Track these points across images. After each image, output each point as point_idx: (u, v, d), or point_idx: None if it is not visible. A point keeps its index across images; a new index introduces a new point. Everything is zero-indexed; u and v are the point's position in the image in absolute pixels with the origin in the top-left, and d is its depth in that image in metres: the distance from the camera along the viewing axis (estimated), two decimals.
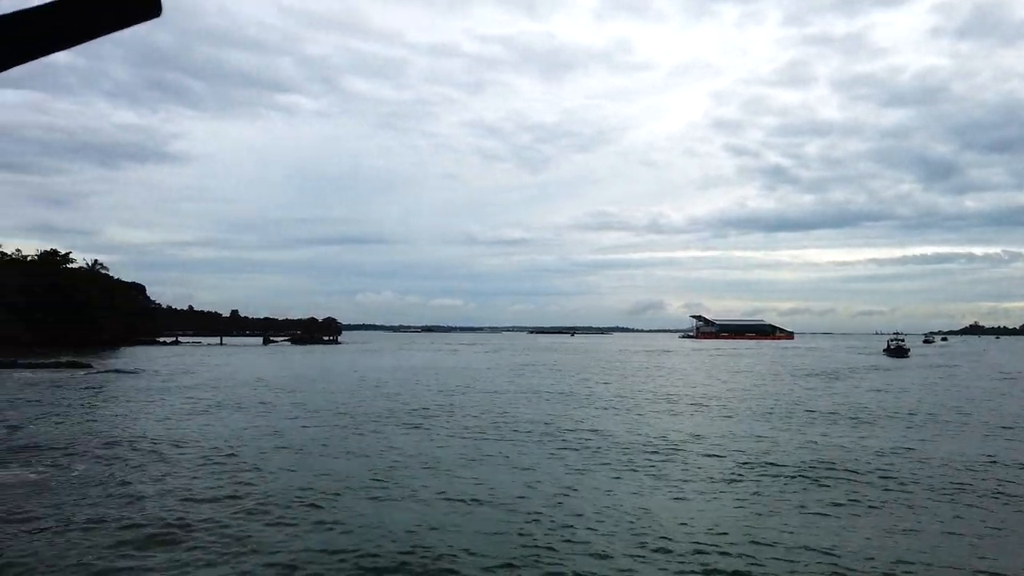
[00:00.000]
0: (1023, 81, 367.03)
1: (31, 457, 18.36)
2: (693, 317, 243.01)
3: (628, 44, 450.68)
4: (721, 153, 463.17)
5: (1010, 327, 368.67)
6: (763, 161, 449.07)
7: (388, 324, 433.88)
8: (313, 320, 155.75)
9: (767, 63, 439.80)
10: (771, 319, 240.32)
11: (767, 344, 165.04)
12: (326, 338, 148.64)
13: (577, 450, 20.00)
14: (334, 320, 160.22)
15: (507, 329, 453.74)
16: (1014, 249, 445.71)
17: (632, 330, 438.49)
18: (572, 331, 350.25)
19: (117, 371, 51.67)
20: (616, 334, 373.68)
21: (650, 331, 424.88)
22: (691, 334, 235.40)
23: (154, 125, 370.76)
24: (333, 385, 41.90)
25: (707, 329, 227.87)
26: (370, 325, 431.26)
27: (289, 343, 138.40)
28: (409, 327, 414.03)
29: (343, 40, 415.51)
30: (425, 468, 17.39)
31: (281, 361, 71.74)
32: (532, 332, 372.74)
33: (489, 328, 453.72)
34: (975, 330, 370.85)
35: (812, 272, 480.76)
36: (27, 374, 47.01)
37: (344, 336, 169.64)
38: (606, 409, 30.18)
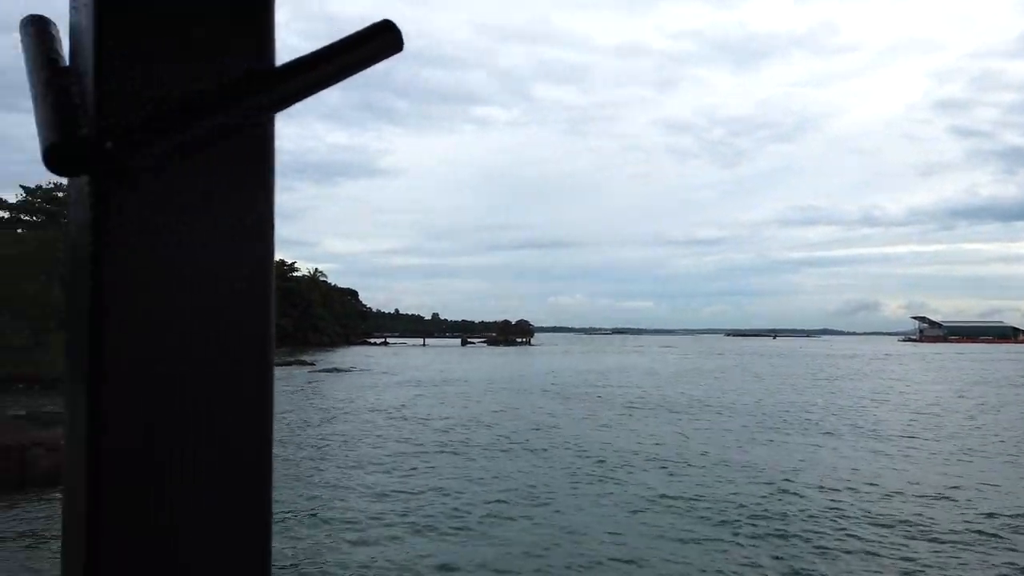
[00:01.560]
0: None
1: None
2: (915, 319, 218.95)
3: (832, 25, 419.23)
4: (945, 136, 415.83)
5: None
6: (999, 143, 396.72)
7: (578, 326, 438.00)
8: (507, 322, 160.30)
9: (1000, 32, 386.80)
10: (1013, 320, 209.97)
11: (1009, 349, 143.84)
12: (519, 340, 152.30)
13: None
14: (527, 322, 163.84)
15: (701, 331, 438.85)
16: None
17: (842, 333, 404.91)
18: (774, 333, 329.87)
19: (335, 369, 56.17)
20: (824, 337, 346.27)
21: (863, 334, 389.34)
22: (913, 337, 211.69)
23: (364, 143, 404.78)
24: (544, 387, 42.19)
25: (932, 332, 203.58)
26: (561, 327, 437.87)
27: (485, 344, 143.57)
28: (599, 329, 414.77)
29: (532, 49, 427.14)
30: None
31: (480, 361, 74.18)
32: (729, 334, 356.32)
33: (682, 330, 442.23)
34: None
35: None
36: None
37: (536, 338, 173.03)
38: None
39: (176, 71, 0.53)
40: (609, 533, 11.71)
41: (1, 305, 39.45)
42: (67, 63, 0.54)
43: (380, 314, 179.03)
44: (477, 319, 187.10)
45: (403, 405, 30.86)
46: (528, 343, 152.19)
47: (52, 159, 0.48)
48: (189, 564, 0.52)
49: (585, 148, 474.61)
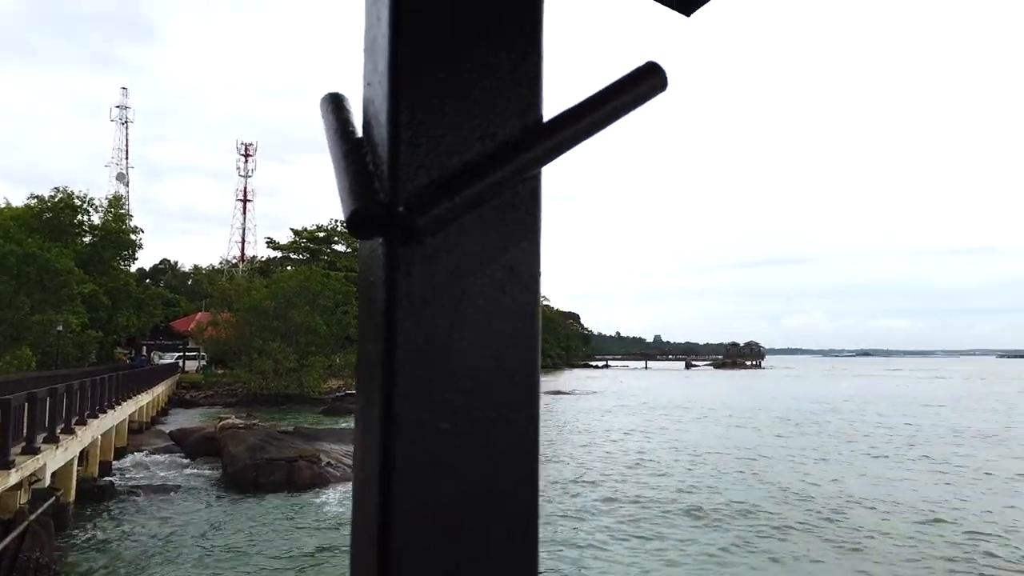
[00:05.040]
0: None
1: None
2: None
3: None
4: None
5: None
6: None
7: (816, 348, 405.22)
8: (735, 345, 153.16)
9: None
10: None
11: None
12: (749, 363, 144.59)
13: None
14: (757, 344, 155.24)
15: (966, 353, 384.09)
16: None
17: None
18: None
19: (558, 392, 57.29)
20: None
21: None
22: None
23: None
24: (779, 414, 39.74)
25: None
26: (796, 349, 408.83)
27: (711, 367, 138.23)
28: (841, 351, 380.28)
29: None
30: None
31: (705, 386, 71.43)
32: (1002, 356, 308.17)
33: (942, 352, 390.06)
34: None
35: None
36: None
37: (767, 361, 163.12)
38: None
39: (459, 133, 0.58)
40: None
41: (274, 332, 45.74)
42: (360, 134, 0.60)
43: (601, 337, 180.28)
44: (702, 341, 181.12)
45: (628, 431, 30.64)
46: (758, 366, 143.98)
47: (353, 223, 0.54)
48: (468, 561, 0.56)
49: (819, 155, 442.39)
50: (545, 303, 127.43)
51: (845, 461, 22.19)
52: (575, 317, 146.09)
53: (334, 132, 0.60)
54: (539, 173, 0.61)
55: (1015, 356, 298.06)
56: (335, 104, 0.63)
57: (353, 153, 0.58)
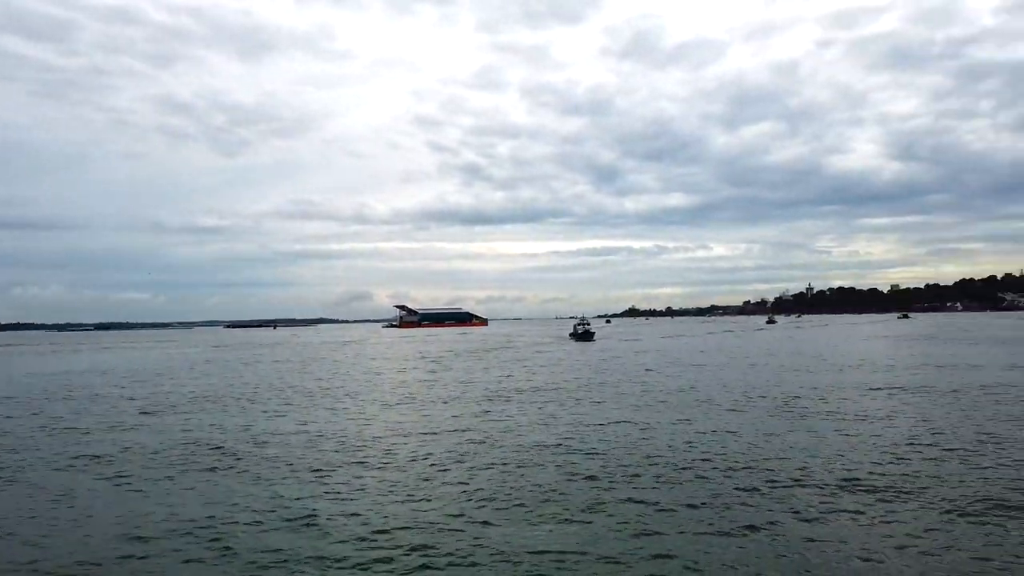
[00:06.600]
0: (671, 101, 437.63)
1: None
2: (397, 307, 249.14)
3: (330, 30, 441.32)
4: (423, 148, 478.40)
5: (659, 309, 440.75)
6: (461, 159, 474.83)
7: (52, 322, 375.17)
8: None
9: (463, 66, 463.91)
10: (470, 307, 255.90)
11: (463, 331, 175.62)
12: None
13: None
14: None
15: (201, 324, 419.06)
16: (662, 243, 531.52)
17: (338, 321, 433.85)
18: (274, 324, 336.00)
19: None
20: (321, 326, 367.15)
21: (356, 321, 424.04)
22: (394, 324, 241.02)
23: None
24: None
25: (410, 318, 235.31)
26: (28, 324, 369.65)
27: None
28: (81, 325, 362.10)
29: None
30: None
31: None
32: (229, 326, 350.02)
33: (180, 323, 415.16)
34: (632, 313, 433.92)
35: (505, 263, 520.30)
36: None
37: None
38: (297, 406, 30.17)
39: None
40: None
41: None
42: None
43: None
44: None
45: None
46: None
47: None
48: None
49: (68, 117, 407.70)
50: None
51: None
52: None
53: None
54: None
55: (238, 325, 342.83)
56: None
57: None
